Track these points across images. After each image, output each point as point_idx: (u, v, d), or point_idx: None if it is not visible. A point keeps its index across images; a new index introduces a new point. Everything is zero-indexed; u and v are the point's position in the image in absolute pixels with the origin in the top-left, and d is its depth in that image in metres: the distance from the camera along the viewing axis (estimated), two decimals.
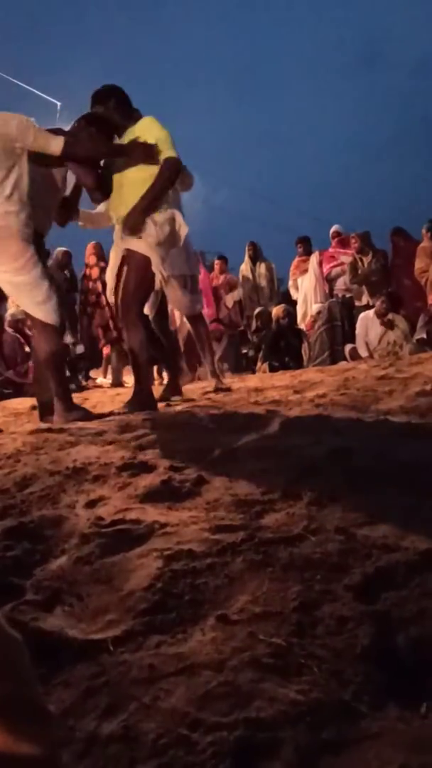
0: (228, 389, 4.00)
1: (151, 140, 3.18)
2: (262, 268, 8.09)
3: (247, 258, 8.16)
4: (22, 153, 2.93)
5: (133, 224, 3.19)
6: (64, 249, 7.35)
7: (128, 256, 3.26)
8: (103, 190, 3.31)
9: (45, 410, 3.24)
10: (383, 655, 0.76)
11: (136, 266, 3.23)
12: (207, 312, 7.43)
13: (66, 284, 7.08)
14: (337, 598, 0.90)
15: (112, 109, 3.31)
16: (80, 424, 2.84)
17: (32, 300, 3.01)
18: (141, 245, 3.22)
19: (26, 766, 0.45)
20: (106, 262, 4.09)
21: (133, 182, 3.21)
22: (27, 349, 6.24)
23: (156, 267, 3.23)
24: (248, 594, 0.94)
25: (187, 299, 4.01)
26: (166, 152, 3.17)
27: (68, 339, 6.82)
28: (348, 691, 0.69)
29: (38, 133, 2.91)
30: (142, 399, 3.20)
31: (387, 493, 1.37)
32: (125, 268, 3.27)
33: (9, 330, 6.46)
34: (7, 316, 6.58)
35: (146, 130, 3.24)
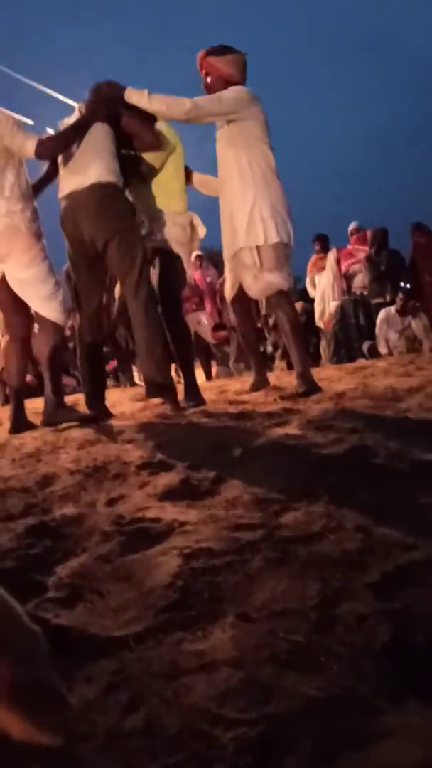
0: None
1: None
2: None
3: None
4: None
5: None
6: None
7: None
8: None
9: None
10: (402, 652, 0.76)
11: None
12: (210, 315, 7.41)
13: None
14: (356, 596, 0.90)
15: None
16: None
17: (38, 295, 3.00)
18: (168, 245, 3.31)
19: (45, 753, 0.47)
20: None
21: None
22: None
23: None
24: (267, 591, 0.94)
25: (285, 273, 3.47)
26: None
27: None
28: (367, 687, 0.69)
29: (14, 133, 2.85)
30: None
31: (406, 491, 1.37)
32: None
33: None
34: None
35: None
